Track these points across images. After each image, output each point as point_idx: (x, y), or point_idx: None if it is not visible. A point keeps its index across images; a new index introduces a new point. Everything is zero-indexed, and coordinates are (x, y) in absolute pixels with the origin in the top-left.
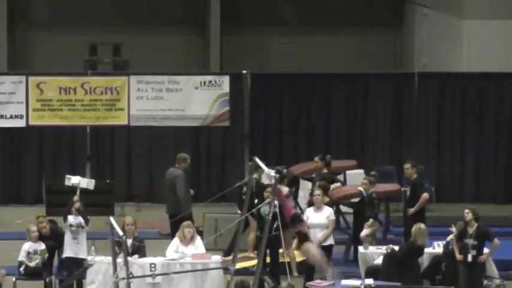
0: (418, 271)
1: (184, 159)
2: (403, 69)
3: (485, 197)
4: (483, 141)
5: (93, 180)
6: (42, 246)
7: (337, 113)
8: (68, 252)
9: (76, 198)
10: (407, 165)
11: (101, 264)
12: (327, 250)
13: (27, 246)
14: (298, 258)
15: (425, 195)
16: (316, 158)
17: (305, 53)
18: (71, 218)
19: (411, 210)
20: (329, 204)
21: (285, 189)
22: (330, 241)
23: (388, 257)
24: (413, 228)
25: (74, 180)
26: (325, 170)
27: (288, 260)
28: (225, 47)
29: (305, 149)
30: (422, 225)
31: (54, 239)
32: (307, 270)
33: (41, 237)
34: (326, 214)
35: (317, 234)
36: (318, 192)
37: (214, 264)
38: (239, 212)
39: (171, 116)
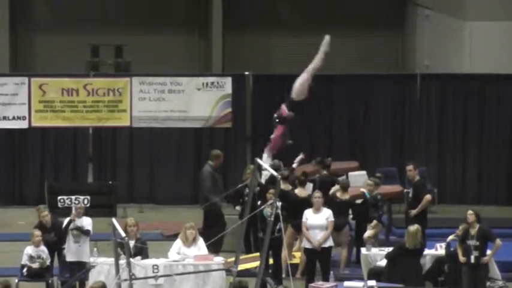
0: (421, 273)
1: (217, 156)
2: (405, 71)
3: (487, 198)
4: (485, 142)
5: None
6: (45, 252)
7: (339, 114)
8: (70, 257)
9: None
10: (410, 167)
11: (104, 265)
12: (326, 252)
13: (30, 250)
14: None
15: (428, 196)
16: (313, 162)
17: (307, 54)
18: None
19: (413, 212)
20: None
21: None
22: (329, 243)
23: (390, 258)
24: None
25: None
26: (325, 172)
27: (290, 261)
28: (227, 48)
29: (307, 150)
30: (411, 227)
31: (55, 231)
32: (309, 271)
33: (43, 229)
34: (325, 215)
35: (316, 236)
36: (317, 194)
37: (217, 265)
38: (236, 208)
39: (173, 117)
